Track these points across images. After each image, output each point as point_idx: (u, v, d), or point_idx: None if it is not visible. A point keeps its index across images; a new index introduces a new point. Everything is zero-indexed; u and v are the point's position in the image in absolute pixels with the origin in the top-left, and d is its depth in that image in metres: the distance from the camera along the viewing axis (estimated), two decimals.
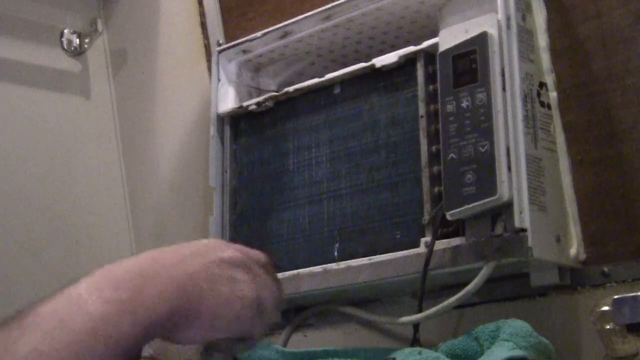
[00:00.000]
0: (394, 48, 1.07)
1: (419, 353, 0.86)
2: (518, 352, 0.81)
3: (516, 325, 0.85)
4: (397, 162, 1.02)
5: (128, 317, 0.65)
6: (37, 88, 1.42)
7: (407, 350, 0.89)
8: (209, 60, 1.34)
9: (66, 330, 0.62)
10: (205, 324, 0.70)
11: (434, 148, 0.98)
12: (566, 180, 0.97)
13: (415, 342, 1.00)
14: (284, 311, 1.20)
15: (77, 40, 1.47)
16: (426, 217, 0.97)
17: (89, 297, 0.64)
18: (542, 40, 0.98)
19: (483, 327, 0.88)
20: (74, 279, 0.66)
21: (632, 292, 0.90)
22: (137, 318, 0.65)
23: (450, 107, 0.95)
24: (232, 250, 0.75)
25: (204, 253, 0.73)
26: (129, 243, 1.44)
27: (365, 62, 1.07)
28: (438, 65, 0.98)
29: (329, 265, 1.04)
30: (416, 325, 1.00)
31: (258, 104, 1.16)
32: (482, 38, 0.94)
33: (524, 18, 0.96)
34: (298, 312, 1.18)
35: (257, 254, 0.78)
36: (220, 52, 1.22)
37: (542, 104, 0.97)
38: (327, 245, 1.05)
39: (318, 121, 1.10)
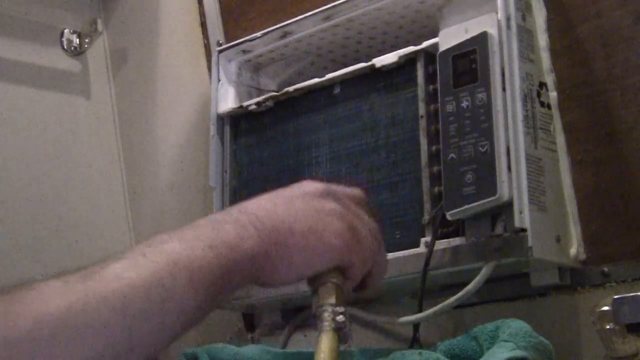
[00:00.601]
0: (394, 48, 1.07)
1: (419, 354, 0.86)
2: (518, 353, 0.81)
3: (516, 326, 0.85)
4: (397, 162, 1.02)
5: (209, 251, 0.63)
6: (37, 88, 1.42)
7: (407, 352, 0.89)
8: (209, 60, 1.34)
9: (148, 261, 0.60)
10: (296, 259, 0.68)
11: (434, 148, 0.98)
12: (566, 180, 0.97)
13: (415, 342, 1.00)
14: (284, 311, 1.20)
15: (77, 40, 1.47)
16: (426, 217, 0.97)
17: (168, 238, 0.63)
18: (542, 40, 0.98)
19: (482, 327, 0.88)
20: None
21: (632, 292, 0.90)
22: (220, 252, 0.63)
23: (450, 107, 0.95)
24: (318, 184, 0.71)
25: (285, 192, 0.70)
26: (129, 243, 1.44)
27: (365, 62, 1.07)
28: (438, 65, 0.98)
29: None
30: (416, 325, 1.00)
31: (258, 104, 1.16)
32: (482, 38, 0.94)
33: (524, 18, 0.96)
34: (298, 312, 1.18)
35: (350, 190, 0.74)
36: (220, 52, 1.22)
37: (542, 104, 0.97)
38: None
39: (318, 121, 1.10)
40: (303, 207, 0.69)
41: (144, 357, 0.59)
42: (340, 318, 0.69)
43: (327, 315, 0.69)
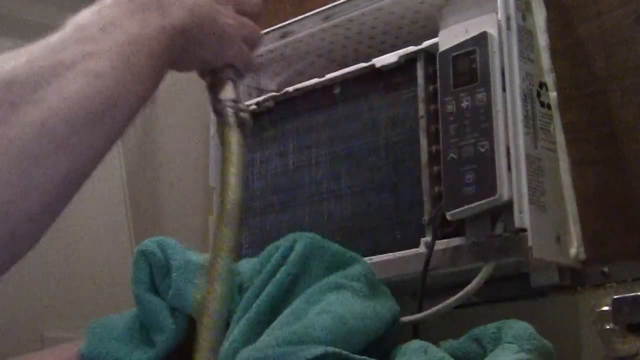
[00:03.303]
0: (394, 48, 1.07)
1: (424, 352, 0.86)
2: (522, 356, 0.81)
3: (519, 328, 0.85)
4: (397, 162, 1.02)
5: (162, 32, 0.66)
6: None
7: (416, 344, 0.88)
8: None
9: (108, 38, 0.61)
10: (211, 45, 0.72)
11: (434, 148, 0.98)
12: (566, 180, 0.97)
13: None
14: None
15: None
16: (426, 217, 0.97)
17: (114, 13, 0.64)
18: (542, 40, 0.98)
19: (484, 329, 0.88)
20: None
21: (632, 292, 0.90)
22: (168, 31, 0.66)
23: (450, 107, 0.95)
24: None
25: None
26: (128, 243, 1.44)
27: (365, 62, 1.07)
28: (438, 65, 0.98)
29: None
30: (416, 325, 1.00)
31: (258, 104, 1.16)
32: (482, 38, 0.94)
33: (524, 18, 0.96)
34: None
35: None
36: None
37: (542, 104, 0.97)
38: None
39: (318, 121, 1.10)
40: (219, 6, 0.73)
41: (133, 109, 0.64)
42: (244, 114, 0.72)
43: (230, 110, 0.72)
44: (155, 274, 0.98)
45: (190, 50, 0.71)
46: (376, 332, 0.88)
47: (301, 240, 0.91)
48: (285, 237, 0.94)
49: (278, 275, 0.90)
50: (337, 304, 0.86)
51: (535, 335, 0.84)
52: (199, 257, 0.98)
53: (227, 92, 0.74)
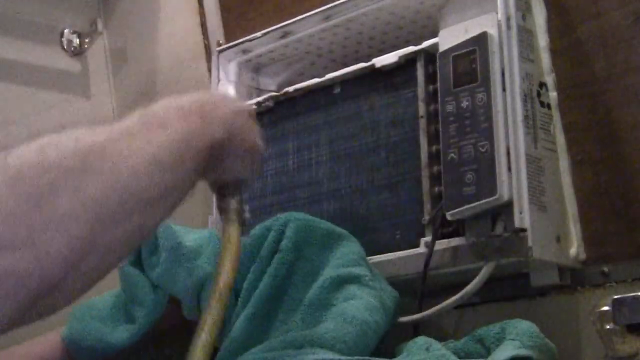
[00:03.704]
0: (394, 48, 1.07)
1: (427, 349, 0.86)
2: (523, 351, 0.81)
3: (523, 326, 0.85)
4: (397, 162, 1.02)
5: (201, 135, 0.74)
6: (37, 88, 1.42)
7: (420, 341, 0.88)
8: (209, 61, 1.34)
9: (164, 134, 0.71)
10: (238, 159, 0.81)
11: (434, 148, 0.98)
12: (566, 180, 0.97)
13: None
14: None
15: (77, 40, 1.47)
16: (426, 217, 0.97)
17: (169, 115, 0.74)
18: (542, 40, 0.98)
19: (487, 329, 0.88)
20: None
21: (632, 292, 0.90)
22: (205, 136, 0.75)
23: (450, 107, 0.95)
24: (245, 103, 0.87)
25: (229, 100, 0.85)
26: None
27: (365, 62, 1.07)
28: (438, 65, 0.98)
29: None
30: (416, 325, 1.00)
31: (258, 104, 1.16)
32: (482, 38, 0.94)
33: (524, 18, 0.96)
34: None
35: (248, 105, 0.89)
36: (220, 52, 1.22)
37: (542, 104, 0.97)
38: None
39: (318, 121, 1.10)
40: (244, 121, 0.82)
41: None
42: (245, 215, 0.84)
43: (233, 209, 0.83)
44: (142, 249, 0.99)
45: (221, 160, 0.79)
46: (385, 327, 0.89)
47: (291, 224, 0.93)
48: (275, 218, 0.96)
49: (273, 265, 0.92)
50: (350, 307, 0.87)
51: (538, 333, 0.85)
52: (193, 237, 0.99)
53: (234, 196, 0.84)
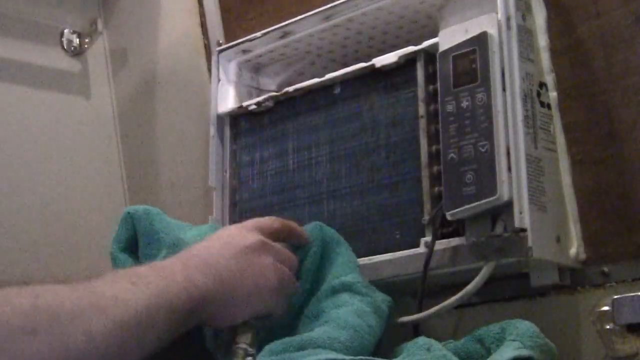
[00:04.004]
0: (394, 48, 1.07)
1: (428, 349, 0.86)
2: (524, 352, 0.81)
3: (523, 327, 0.85)
4: (397, 162, 1.02)
5: (184, 292, 0.74)
6: (37, 88, 1.42)
7: (420, 342, 0.88)
8: (209, 61, 1.34)
9: (136, 290, 0.70)
10: (239, 307, 0.80)
11: (434, 148, 0.98)
12: (566, 180, 0.97)
13: None
14: None
15: (77, 40, 1.47)
16: (426, 217, 0.97)
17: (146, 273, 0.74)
18: (542, 40, 0.98)
19: (486, 329, 0.88)
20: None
21: (632, 292, 0.90)
22: (191, 294, 0.74)
23: (450, 107, 0.95)
24: (253, 235, 0.85)
25: (230, 243, 0.83)
26: None
27: (365, 62, 1.07)
28: (438, 65, 0.98)
29: None
30: (416, 325, 1.00)
31: (258, 104, 1.16)
32: (482, 38, 0.94)
33: (524, 18, 0.96)
34: None
35: (269, 223, 0.89)
36: (220, 52, 1.22)
37: (542, 104, 0.97)
38: None
39: (318, 121, 1.10)
40: (247, 262, 0.82)
41: None
42: (250, 359, 0.81)
43: (241, 353, 0.81)
44: (139, 239, 0.99)
45: (220, 309, 0.79)
46: (380, 330, 0.89)
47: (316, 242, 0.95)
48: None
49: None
50: (342, 313, 0.88)
51: (539, 334, 0.85)
52: (193, 234, 1.00)
53: (245, 338, 0.83)
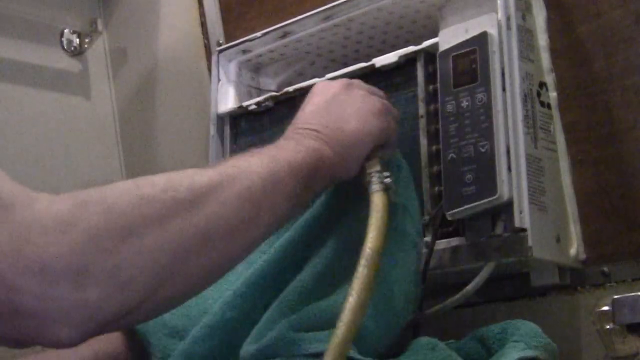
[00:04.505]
0: (394, 48, 1.07)
1: (432, 349, 0.85)
2: (529, 353, 0.81)
3: (526, 327, 0.85)
4: None
5: (298, 154, 0.78)
6: (37, 88, 1.42)
7: (424, 341, 0.88)
8: (209, 60, 1.34)
9: (256, 160, 0.74)
10: (357, 153, 0.84)
11: (434, 148, 0.98)
12: (566, 180, 0.97)
13: None
14: None
15: (77, 40, 1.47)
16: (426, 217, 0.97)
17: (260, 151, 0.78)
18: (542, 40, 0.98)
19: (487, 329, 0.88)
20: None
21: (632, 292, 0.91)
22: (302, 148, 0.79)
23: (450, 107, 0.95)
24: (337, 83, 0.90)
25: (319, 96, 0.88)
26: None
27: (365, 62, 1.07)
28: (438, 65, 0.98)
29: None
30: (416, 325, 1.00)
31: (258, 104, 1.16)
32: (482, 38, 0.94)
33: (524, 18, 0.96)
34: None
35: (357, 82, 0.91)
36: (220, 52, 1.22)
37: (542, 104, 0.97)
38: None
39: None
40: (341, 101, 0.86)
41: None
42: (387, 180, 0.85)
43: (376, 179, 0.84)
44: None
45: (342, 163, 0.82)
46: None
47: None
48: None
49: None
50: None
51: (541, 334, 0.85)
52: None
53: (374, 165, 0.86)
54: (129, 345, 0.95)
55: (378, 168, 0.85)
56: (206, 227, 0.66)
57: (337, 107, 0.86)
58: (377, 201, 0.83)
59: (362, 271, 0.77)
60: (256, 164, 0.73)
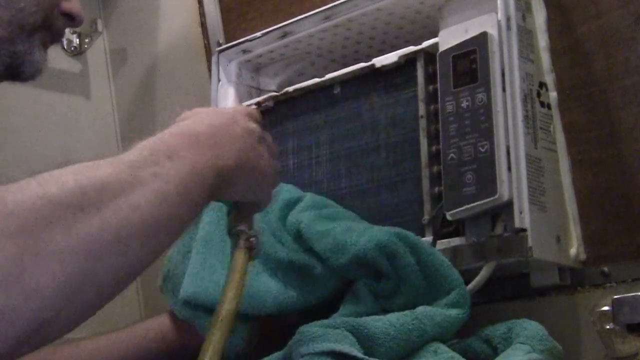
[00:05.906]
0: (394, 48, 1.07)
1: (435, 352, 0.85)
2: (534, 356, 0.81)
3: (532, 328, 0.85)
4: (397, 162, 1.02)
5: (210, 166, 0.75)
6: (37, 88, 1.42)
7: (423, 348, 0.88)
8: (209, 60, 1.34)
9: (173, 165, 0.71)
10: (249, 184, 0.81)
11: (434, 148, 0.98)
12: (566, 180, 0.97)
13: None
14: None
15: (77, 40, 1.47)
16: (426, 217, 0.97)
17: (177, 145, 0.75)
18: (542, 40, 0.98)
19: (493, 329, 0.88)
20: None
21: (632, 292, 0.90)
22: (214, 167, 0.75)
23: (450, 107, 0.95)
24: (251, 121, 0.85)
25: (238, 120, 0.83)
26: None
27: (365, 62, 1.07)
28: (438, 65, 0.98)
29: None
30: None
31: (258, 104, 1.16)
32: (482, 38, 0.94)
33: (524, 18, 0.96)
34: None
35: (254, 112, 0.89)
36: (220, 52, 1.22)
37: (542, 104, 0.97)
38: None
39: (318, 121, 1.10)
40: (251, 147, 0.82)
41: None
42: (253, 240, 0.84)
43: (243, 235, 0.84)
44: None
45: (231, 186, 0.79)
46: None
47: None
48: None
49: None
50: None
51: (547, 336, 0.85)
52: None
53: (244, 221, 0.85)
54: (177, 324, 0.98)
55: (247, 224, 0.85)
56: (117, 229, 0.63)
57: (246, 145, 0.83)
58: (237, 260, 0.83)
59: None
60: (168, 165, 0.71)
